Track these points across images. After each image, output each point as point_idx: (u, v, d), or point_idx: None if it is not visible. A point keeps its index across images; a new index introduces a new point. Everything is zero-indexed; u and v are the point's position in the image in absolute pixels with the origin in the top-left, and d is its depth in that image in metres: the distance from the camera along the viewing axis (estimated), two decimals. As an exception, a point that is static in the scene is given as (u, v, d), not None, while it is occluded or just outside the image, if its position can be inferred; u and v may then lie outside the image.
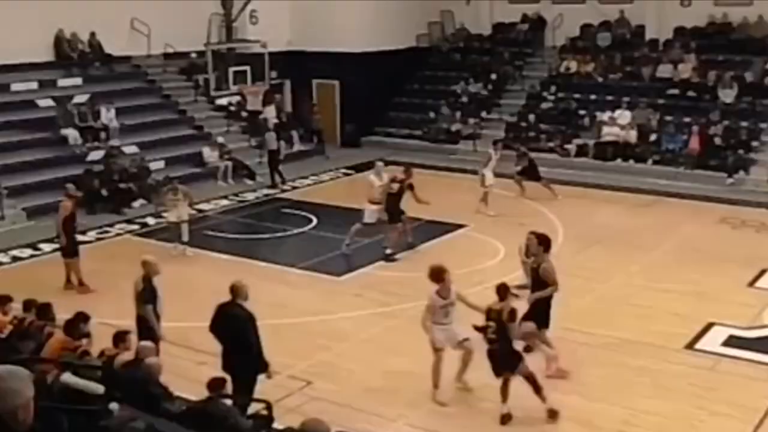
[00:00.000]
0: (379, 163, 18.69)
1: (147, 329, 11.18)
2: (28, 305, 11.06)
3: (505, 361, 10.63)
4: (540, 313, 11.94)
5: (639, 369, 12.21)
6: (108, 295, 15.09)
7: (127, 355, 9.56)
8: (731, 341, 13.17)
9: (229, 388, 9.19)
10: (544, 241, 12.63)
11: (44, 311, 10.70)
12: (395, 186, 17.58)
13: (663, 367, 12.27)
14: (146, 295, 11.47)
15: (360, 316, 14.28)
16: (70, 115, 23.11)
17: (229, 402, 8.88)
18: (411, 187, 17.72)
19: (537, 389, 10.61)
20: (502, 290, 10.96)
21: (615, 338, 13.25)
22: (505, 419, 10.68)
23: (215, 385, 8.79)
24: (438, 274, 11.28)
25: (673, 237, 18.67)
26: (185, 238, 17.90)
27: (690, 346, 13.05)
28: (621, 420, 10.80)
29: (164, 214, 18.76)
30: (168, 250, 17.39)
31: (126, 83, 26.06)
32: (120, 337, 9.95)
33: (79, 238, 18.72)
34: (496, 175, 21.19)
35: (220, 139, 25.14)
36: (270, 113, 27.54)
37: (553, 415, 10.68)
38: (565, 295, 14.95)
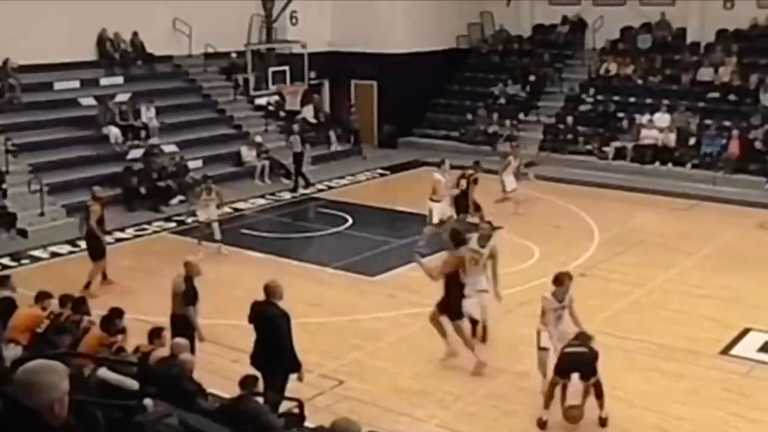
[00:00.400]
0: (447, 161, 18.74)
1: (182, 327, 11.27)
2: (64, 301, 11.23)
3: (592, 366, 10.50)
4: (449, 305, 12.14)
5: (673, 374, 12.14)
6: (144, 292, 15.26)
7: (162, 352, 9.69)
8: (767, 347, 13.03)
9: (260, 386, 9.26)
10: (453, 236, 12.89)
11: (78, 306, 10.86)
12: (464, 182, 17.99)
13: (698, 373, 12.19)
14: (189, 296, 11.51)
15: (393, 317, 14.31)
16: (111, 113, 23.38)
17: (260, 400, 8.96)
18: (476, 181, 18.10)
19: (600, 395, 10.54)
20: (582, 336, 10.87)
21: (650, 343, 13.17)
22: (544, 425, 10.64)
23: (247, 382, 8.87)
24: (558, 278, 11.39)
25: (711, 242, 18.50)
26: (218, 236, 18.00)
27: (725, 351, 12.94)
28: (654, 425, 10.73)
29: (197, 213, 18.75)
30: (203, 249, 17.49)
31: (167, 83, 26.33)
32: (155, 334, 10.09)
33: (118, 234, 19.10)
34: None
35: (258, 139, 25.29)
36: (308, 113, 27.70)
37: (603, 423, 10.59)
38: (602, 299, 15.00)
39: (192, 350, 10.80)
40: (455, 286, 12.17)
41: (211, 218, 18.14)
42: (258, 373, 9.56)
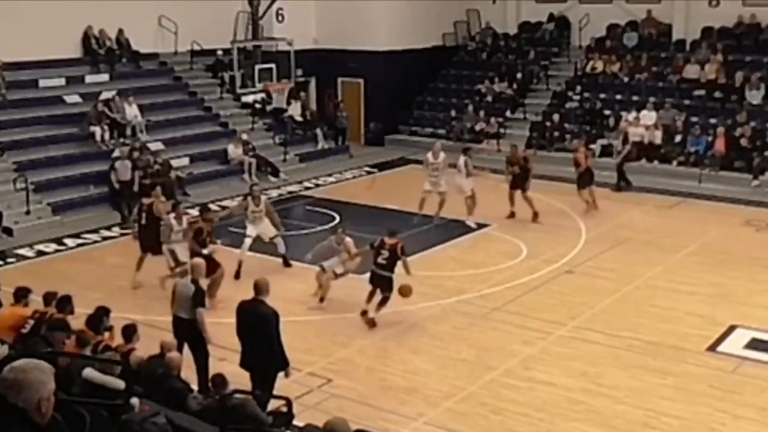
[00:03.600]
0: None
1: (187, 330, 11.05)
2: (48, 299, 11.11)
3: (389, 283, 13.69)
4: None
5: (660, 371, 12.16)
6: (130, 290, 15.23)
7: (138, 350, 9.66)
8: (754, 344, 13.09)
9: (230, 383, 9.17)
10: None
11: (63, 304, 10.78)
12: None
13: (684, 370, 12.22)
14: (198, 298, 11.16)
15: (380, 314, 14.23)
16: (97, 111, 23.21)
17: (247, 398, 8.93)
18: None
19: (382, 304, 13.76)
20: (393, 233, 14.23)
21: (637, 340, 13.20)
22: (371, 323, 13.69)
23: (216, 382, 8.79)
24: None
25: (697, 239, 18.56)
26: (282, 249, 16.94)
27: (712, 348, 12.98)
28: (641, 422, 10.75)
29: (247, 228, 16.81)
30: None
31: (153, 80, 26.18)
32: (131, 330, 10.02)
33: (105, 233, 19.11)
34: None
35: (244, 136, 25.17)
36: (295, 111, 27.68)
37: (372, 324, 13.63)
38: (589, 296, 15.05)
39: (206, 353, 10.82)
40: None
41: (268, 234, 16.83)
42: (245, 372, 9.51)
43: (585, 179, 20.79)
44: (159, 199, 16.14)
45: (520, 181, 20.07)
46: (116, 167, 20.99)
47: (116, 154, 21.46)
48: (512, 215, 20.15)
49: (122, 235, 19.14)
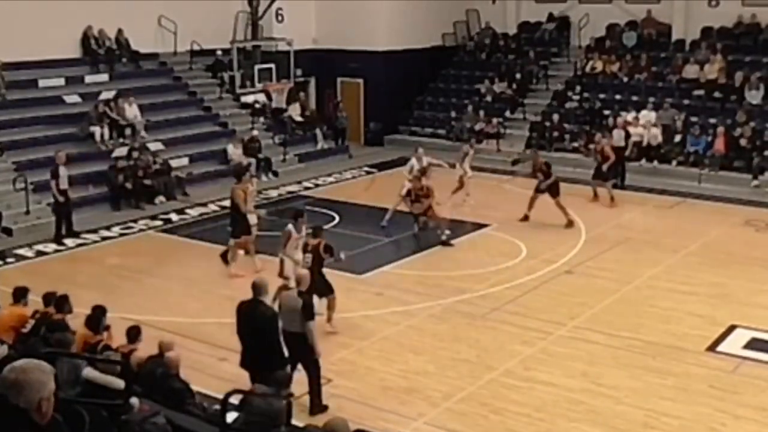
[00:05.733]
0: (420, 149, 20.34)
1: (294, 343, 10.73)
2: (47, 299, 11.10)
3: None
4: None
5: (660, 371, 12.14)
6: (132, 291, 15.23)
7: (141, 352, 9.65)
8: (753, 344, 13.07)
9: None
10: None
11: (61, 303, 10.78)
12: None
13: (685, 370, 12.20)
14: (308, 311, 10.69)
15: (380, 315, 14.28)
16: (98, 111, 23.18)
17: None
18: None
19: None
20: (318, 230, 13.98)
21: (637, 340, 13.19)
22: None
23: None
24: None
25: (697, 239, 18.55)
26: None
27: (712, 348, 12.96)
28: (641, 423, 10.73)
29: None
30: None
31: (153, 80, 26.14)
32: (135, 332, 10.01)
33: (104, 233, 19.05)
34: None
35: (255, 132, 25.14)
36: (294, 111, 27.67)
37: None
38: (589, 296, 15.04)
39: (317, 367, 10.73)
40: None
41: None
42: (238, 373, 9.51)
43: (609, 172, 21.75)
44: (245, 183, 16.68)
45: (548, 189, 19.61)
46: (60, 174, 18.79)
47: (58, 160, 18.84)
48: (526, 218, 19.68)
49: (121, 235, 19.19)
